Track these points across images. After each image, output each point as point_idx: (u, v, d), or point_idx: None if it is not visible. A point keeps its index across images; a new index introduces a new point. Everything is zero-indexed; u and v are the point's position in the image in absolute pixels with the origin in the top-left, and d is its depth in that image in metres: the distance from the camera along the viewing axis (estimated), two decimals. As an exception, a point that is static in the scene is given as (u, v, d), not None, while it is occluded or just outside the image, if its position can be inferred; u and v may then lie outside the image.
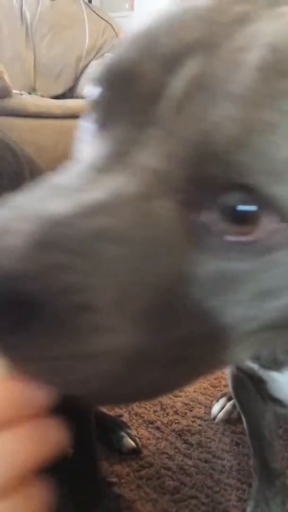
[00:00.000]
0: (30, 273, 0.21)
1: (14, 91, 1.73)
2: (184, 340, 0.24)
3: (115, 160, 0.25)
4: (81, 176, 0.25)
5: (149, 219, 0.24)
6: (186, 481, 0.84)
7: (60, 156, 1.52)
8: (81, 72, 2.42)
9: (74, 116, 1.79)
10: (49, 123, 1.72)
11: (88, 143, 0.28)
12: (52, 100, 1.99)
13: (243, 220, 0.24)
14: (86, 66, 2.43)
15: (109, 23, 2.53)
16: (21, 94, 1.92)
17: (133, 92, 0.26)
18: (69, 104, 1.84)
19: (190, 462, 0.88)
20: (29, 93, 2.21)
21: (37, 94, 2.25)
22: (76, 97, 2.28)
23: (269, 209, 0.23)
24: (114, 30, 2.54)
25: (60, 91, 2.37)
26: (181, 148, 0.24)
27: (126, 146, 0.25)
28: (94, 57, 2.45)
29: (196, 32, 0.26)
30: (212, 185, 0.23)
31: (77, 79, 2.42)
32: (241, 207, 0.23)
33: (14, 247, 0.21)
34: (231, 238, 0.24)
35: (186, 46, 0.25)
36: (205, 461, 0.90)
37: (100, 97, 0.28)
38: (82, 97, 2.20)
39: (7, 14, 2.31)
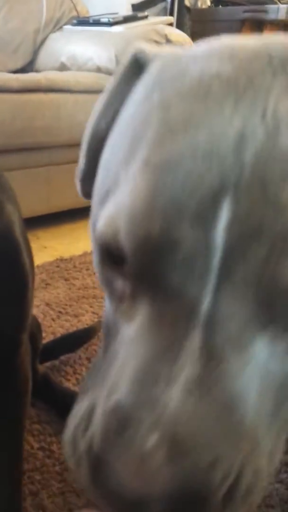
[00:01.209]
0: (189, 490, 0.24)
1: None
2: None
3: (182, 321, 0.26)
4: (159, 352, 0.26)
5: (252, 363, 0.26)
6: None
7: (18, 131, 1.47)
8: (40, 46, 2.34)
9: (32, 89, 1.73)
10: (6, 97, 1.66)
11: (136, 316, 0.28)
12: (8, 73, 1.92)
13: None
14: (44, 39, 2.35)
15: (66, -6, 2.44)
16: (-24, 69, 1.85)
17: (176, 258, 0.26)
18: (27, 77, 1.78)
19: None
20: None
21: (-6, 70, 2.18)
22: (36, 71, 2.21)
23: None
24: (72, 2, 2.45)
25: (18, 65, 2.29)
26: (250, 295, 0.25)
27: (188, 306, 0.26)
28: (52, 29, 2.37)
29: (212, 177, 0.25)
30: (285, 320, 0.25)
31: (35, 53, 2.34)
32: None
33: (161, 474, 0.23)
34: None
35: (211, 196, 0.25)
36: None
37: (135, 270, 0.27)
38: (41, 71, 2.13)
39: None
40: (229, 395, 0.25)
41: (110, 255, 0.29)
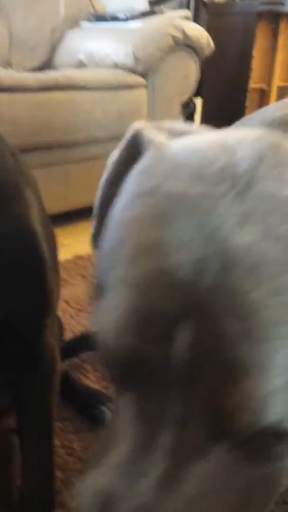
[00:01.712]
0: None
1: (-14, 65, 1.68)
2: None
3: (155, 424, 0.29)
4: (137, 447, 0.30)
5: (213, 465, 0.29)
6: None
7: (37, 130, 1.48)
8: (57, 43, 2.35)
9: (50, 88, 1.74)
10: (25, 96, 1.67)
11: (124, 412, 0.32)
12: (28, 73, 1.93)
13: None
14: (61, 36, 2.35)
15: (83, -9, 2.45)
16: (-6, 68, 1.87)
17: (146, 368, 0.29)
18: (45, 76, 1.79)
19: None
20: (5, 68, 2.14)
21: (12, 68, 2.19)
22: (54, 69, 2.22)
23: None
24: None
25: (36, 63, 2.30)
26: (206, 405, 0.28)
27: (160, 410, 0.29)
28: (69, 27, 2.37)
29: (173, 304, 0.28)
30: (247, 431, 0.28)
31: (53, 51, 2.34)
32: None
33: None
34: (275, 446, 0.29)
35: (170, 320, 0.28)
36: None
37: (121, 375, 0.31)
38: (59, 69, 2.14)
39: (-24, -15, 2.23)
40: (188, 494, 0.29)
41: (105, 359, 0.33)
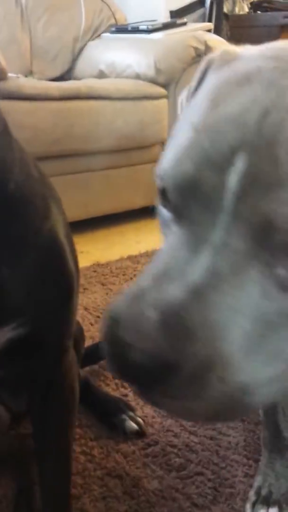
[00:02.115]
0: (166, 351, 0.31)
1: (10, 74, 1.70)
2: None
3: (199, 242, 0.34)
4: (178, 258, 0.34)
5: (246, 288, 0.32)
6: (192, 458, 0.84)
7: (58, 138, 1.50)
8: (78, 53, 2.38)
9: (72, 97, 1.76)
10: (47, 105, 1.70)
11: (171, 234, 0.37)
12: (49, 82, 1.96)
13: None
14: (83, 47, 2.39)
15: (105, 2, 2.48)
16: (17, 77, 1.89)
17: (200, 193, 0.34)
18: (67, 85, 1.82)
19: (195, 439, 0.88)
20: (26, 76, 2.18)
21: (33, 77, 2.22)
22: (74, 79, 2.25)
23: None
24: (110, 10, 2.49)
25: (57, 73, 2.34)
26: (249, 229, 0.32)
27: (204, 232, 0.33)
28: (91, 37, 2.41)
29: (234, 138, 0.33)
30: (281, 247, 0.31)
31: (74, 61, 2.38)
32: None
33: (150, 333, 0.31)
34: None
35: (230, 150, 0.33)
36: (211, 438, 0.89)
37: (174, 202, 0.36)
38: (80, 79, 2.17)
39: (1, -4, 2.27)
40: (220, 308, 0.32)
41: (163, 195, 0.38)
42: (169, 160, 0.36)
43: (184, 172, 0.34)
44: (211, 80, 0.40)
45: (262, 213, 0.31)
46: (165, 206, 0.38)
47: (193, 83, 0.46)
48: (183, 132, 0.37)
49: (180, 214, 0.36)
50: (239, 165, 0.32)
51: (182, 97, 0.49)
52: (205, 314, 0.32)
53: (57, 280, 0.59)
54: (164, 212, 0.39)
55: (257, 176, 0.32)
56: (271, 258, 0.32)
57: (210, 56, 0.45)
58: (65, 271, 0.59)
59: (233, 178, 0.32)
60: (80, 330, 0.92)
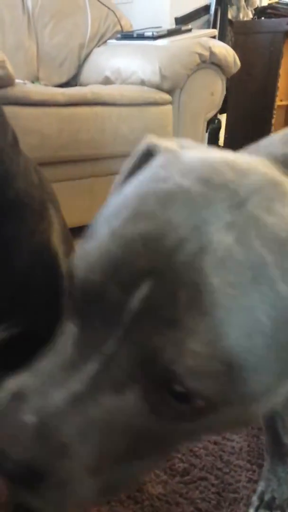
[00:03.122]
0: (37, 462, 0.33)
1: (17, 80, 1.72)
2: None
3: (90, 349, 0.34)
4: (67, 361, 0.35)
5: (122, 404, 0.34)
6: (196, 463, 0.85)
7: (64, 144, 1.52)
8: (84, 60, 2.40)
9: (78, 103, 1.78)
10: (53, 111, 1.71)
11: (69, 328, 0.37)
12: (55, 88, 1.98)
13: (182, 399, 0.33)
14: (89, 53, 2.41)
15: (111, 9, 2.50)
16: (24, 83, 1.91)
17: (102, 303, 0.34)
18: (73, 91, 1.83)
19: (199, 445, 0.89)
20: (32, 82, 2.19)
21: (40, 83, 2.24)
22: (80, 85, 2.26)
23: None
24: (116, 17, 2.51)
25: (63, 79, 2.36)
26: (137, 353, 0.33)
27: (98, 341, 0.34)
28: (96, 44, 2.43)
29: (145, 260, 0.33)
30: (159, 379, 0.33)
31: (80, 67, 2.40)
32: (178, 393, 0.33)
33: (25, 440, 0.33)
34: (177, 407, 0.33)
35: (139, 273, 0.33)
36: (215, 443, 0.90)
37: (77, 300, 0.37)
38: (85, 85, 2.18)
39: (8, 3, 2.29)
40: (94, 422, 0.34)
41: (70, 284, 0.38)
42: (83, 257, 0.36)
43: (92, 280, 0.35)
44: (142, 182, 0.39)
45: (151, 345, 0.32)
46: (70, 294, 0.38)
47: (128, 166, 0.46)
48: (102, 232, 0.36)
49: (81, 313, 0.36)
50: (143, 290, 0.32)
51: (124, 167, 0.49)
52: (80, 426, 0.33)
53: (49, 280, 0.61)
54: (69, 298, 0.39)
55: (156, 307, 0.32)
56: (149, 384, 0.33)
57: (152, 142, 0.44)
58: (57, 272, 0.61)
59: (135, 301, 0.33)
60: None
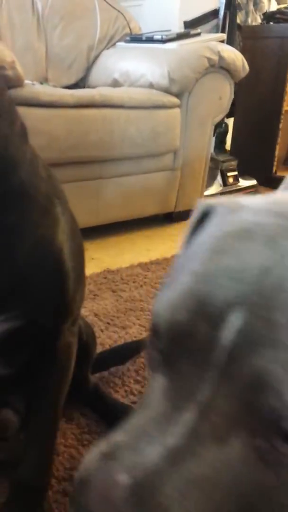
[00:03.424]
0: None
1: (26, 81, 1.73)
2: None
3: (184, 398, 0.32)
4: (160, 414, 0.32)
5: (226, 455, 0.31)
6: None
7: (72, 145, 1.52)
8: (93, 62, 2.41)
9: (86, 105, 1.78)
10: (62, 112, 1.72)
11: (157, 380, 0.35)
12: (64, 89, 1.98)
13: None
14: (97, 55, 2.41)
15: (120, 12, 2.51)
16: (33, 84, 1.92)
17: (191, 344, 0.33)
18: (82, 93, 1.83)
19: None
20: (41, 83, 2.20)
21: (49, 85, 2.25)
22: (88, 87, 2.27)
23: None
24: (125, 19, 2.52)
25: (72, 81, 2.37)
26: (238, 389, 0.30)
27: (191, 388, 0.32)
28: (105, 46, 2.44)
29: (232, 292, 0.32)
30: (268, 416, 0.30)
31: (88, 69, 2.40)
32: None
33: (118, 503, 0.29)
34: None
35: (227, 305, 0.32)
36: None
37: (164, 347, 0.35)
38: (94, 87, 2.19)
39: (18, 5, 2.30)
40: (197, 479, 0.30)
41: (155, 334, 0.37)
42: (165, 302, 0.36)
43: (178, 320, 0.34)
44: (214, 229, 0.39)
45: (253, 371, 0.30)
46: (154, 346, 0.37)
47: (189, 227, 0.46)
48: (181, 277, 0.36)
49: (168, 362, 0.35)
50: (234, 322, 0.31)
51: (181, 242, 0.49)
52: (180, 484, 0.30)
53: (51, 275, 0.62)
54: (153, 350, 0.37)
55: (251, 335, 0.31)
56: (256, 425, 0.31)
57: (209, 202, 0.44)
58: (59, 267, 0.62)
59: (227, 334, 0.31)
60: (92, 335, 0.93)
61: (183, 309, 0.34)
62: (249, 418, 0.31)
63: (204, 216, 0.44)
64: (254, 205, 0.40)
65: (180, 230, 2.18)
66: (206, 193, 2.41)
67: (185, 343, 0.33)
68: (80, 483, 0.32)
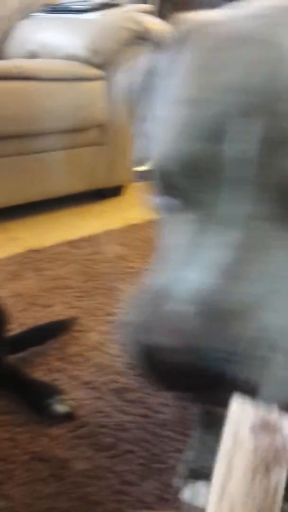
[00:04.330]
0: (220, 342, 0.27)
1: None
2: None
3: (221, 222, 0.31)
4: (201, 244, 0.31)
5: (278, 262, 0.30)
6: (123, 437, 0.84)
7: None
8: (8, 33, 2.28)
9: (1, 77, 1.69)
10: (-25, 85, 1.63)
11: (182, 223, 0.33)
12: (-23, 61, 1.88)
13: None
14: (13, 26, 2.29)
15: (38, -19, 2.39)
16: None
17: (214, 171, 0.31)
18: (-4, 65, 1.75)
19: (127, 418, 0.88)
20: None
21: None
22: (4, 59, 2.16)
23: None
24: (43, -11, 2.41)
25: (-14, 53, 2.24)
26: (276, 194, 0.30)
27: (226, 210, 0.31)
28: (21, 17, 2.32)
29: (245, 103, 0.30)
30: None
31: (3, 41, 2.28)
32: None
33: (195, 329, 0.27)
34: None
35: (244, 117, 0.30)
36: (143, 416, 0.89)
37: (183, 186, 0.33)
38: (9, 59, 2.09)
39: None
40: (259, 282, 0.29)
41: (165, 183, 0.34)
42: (167, 142, 0.33)
43: (192, 151, 0.31)
44: (194, 49, 0.36)
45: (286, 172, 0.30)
46: (168, 194, 0.35)
47: (166, 56, 0.42)
48: (174, 110, 0.33)
49: (192, 198, 0.33)
50: (256, 132, 0.30)
51: (122, 77, 0.47)
52: (246, 291, 0.29)
53: None
54: (167, 202, 0.35)
55: (278, 139, 0.30)
56: None
57: (183, 25, 0.41)
58: None
59: (252, 146, 0.30)
60: (2, 312, 0.89)
61: (192, 138, 0.31)
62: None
63: (182, 42, 0.40)
64: (233, 15, 0.37)
65: (112, 207, 2.15)
66: (140, 168, 2.39)
67: (206, 172, 0.31)
68: (139, 331, 0.29)
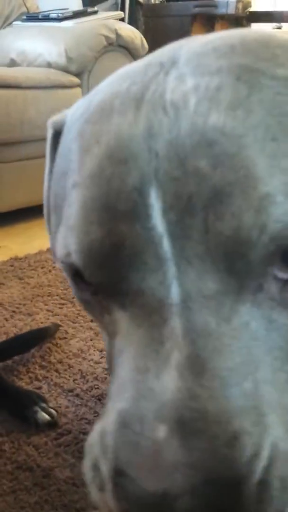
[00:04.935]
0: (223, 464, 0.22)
1: None
2: None
3: (162, 314, 0.26)
4: (148, 350, 0.26)
5: (250, 337, 0.26)
6: (107, 443, 0.84)
7: None
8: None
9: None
10: None
11: (115, 324, 0.29)
12: None
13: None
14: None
15: (15, -11, 2.40)
16: None
17: (133, 255, 0.27)
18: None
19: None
20: None
21: None
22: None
23: None
24: (21, -3, 2.41)
25: None
26: (216, 259, 0.26)
27: (162, 297, 0.26)
28: (1, 26, 2.32)
29: (134, 177, 0.27)
30: (257, 262, 0.26)
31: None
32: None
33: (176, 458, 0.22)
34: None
35: (138, 192, 0.27)
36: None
37: (101, 281, 0.28)
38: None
39: None
40: (226, 367, 0.24)
41: (78, 277, 0.30)
42: (66, 232, 0.29)
43: (90, 237, 0.27)
44: (69, 134, 0.35)
45: (214, 235, 0.25)
46: (87, 290, 0.30)
47: (47, 156, 0.43)
48: (68, 196, 0.30)
49: (113, 295, 0.28)
50: (156, 202, 0.26)
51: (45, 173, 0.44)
52: (214, 390, 0.24)
53: None
54: (88, 298, 0.31)
55: (184, 204, 0.26)
56: (254, 278, 0.26)
57: (54, 122, 0.41)
58: None
59: (159, 220, 0.26)
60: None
61: (90, 224, 0.27)
62: (243, 277, 0.26)
63: (57, 135, 0.39)
64: (101, 85, 0.35)
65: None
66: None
67: (114, 260, 0.27)
68: (116, 483, 0.24)
